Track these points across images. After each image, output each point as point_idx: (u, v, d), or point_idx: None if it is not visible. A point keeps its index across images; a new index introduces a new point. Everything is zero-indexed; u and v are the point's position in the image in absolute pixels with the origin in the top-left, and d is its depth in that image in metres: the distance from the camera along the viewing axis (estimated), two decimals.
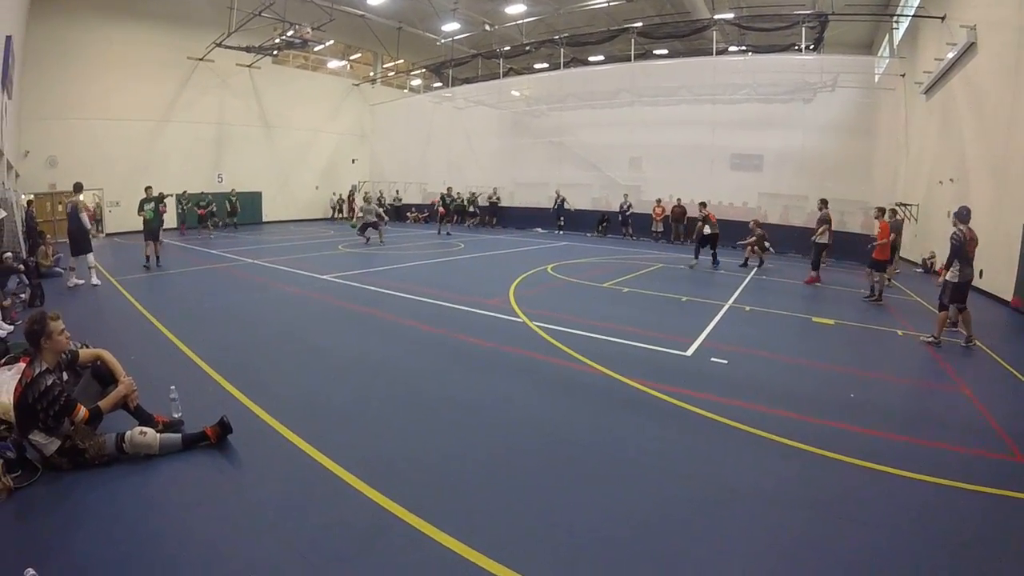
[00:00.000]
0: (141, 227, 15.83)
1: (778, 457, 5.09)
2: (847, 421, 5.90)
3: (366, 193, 23.45)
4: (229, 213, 28.48)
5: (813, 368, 7.97)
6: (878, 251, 12.31)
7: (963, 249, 8.88)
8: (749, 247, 17.70)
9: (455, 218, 30.75)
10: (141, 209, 15.65)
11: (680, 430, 5.66)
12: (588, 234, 27.05)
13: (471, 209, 31.50)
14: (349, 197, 35.15)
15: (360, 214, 22.72)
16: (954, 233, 9.01)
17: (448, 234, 26.78)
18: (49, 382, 4.50)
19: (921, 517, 4.22)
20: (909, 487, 4.61)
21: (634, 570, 3.54)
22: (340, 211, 34.71)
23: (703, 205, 17.82)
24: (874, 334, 10.00)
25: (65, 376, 4.80)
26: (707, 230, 17.38)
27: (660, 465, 4.94)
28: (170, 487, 4.48)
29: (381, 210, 24.14)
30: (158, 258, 15.69)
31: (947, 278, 9.03)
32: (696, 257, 17.55)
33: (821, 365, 8.11)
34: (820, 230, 15.01)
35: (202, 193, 26.46)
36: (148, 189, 16.08)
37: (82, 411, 4.62)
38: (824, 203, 15.51)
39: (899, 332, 10.02)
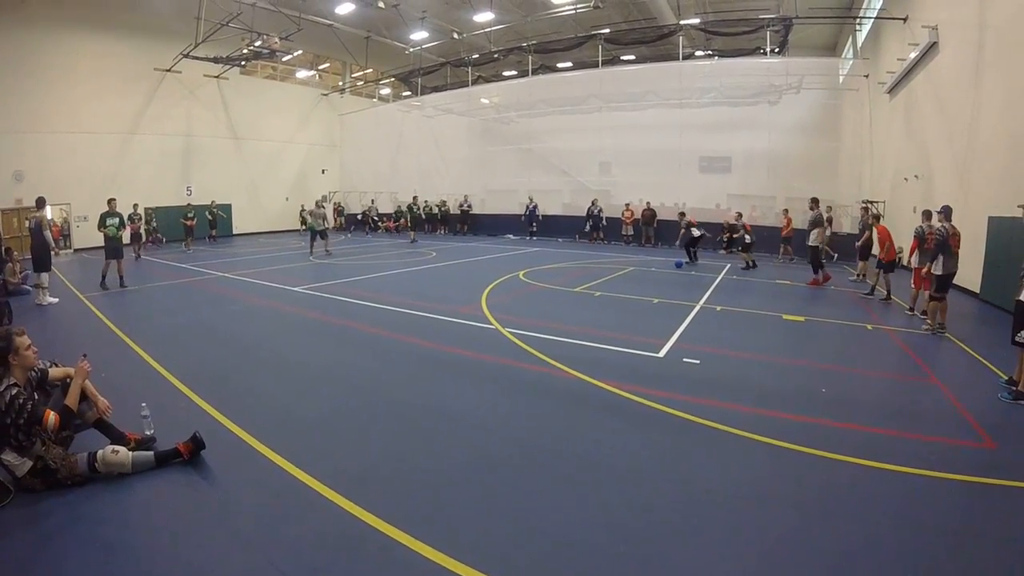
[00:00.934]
0: (104, 243, 14.93)
1: (753, 454, 5.10)
2: (820, 416, 5.92)
3: (317, 200, 23.34)
4: (210, 224, 28.21)
5: (784, 365, 8.01)
6: (884, 253, 12.43)
7: (947, 243, 9.30)
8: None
9: (426, 227, 30.82)
10: (103, 224, 14.82)
11: (655, 431, 5.65)
12: (560, 239, 27.07)
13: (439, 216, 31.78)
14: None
15: (309, 220, 22.53)
16: (938, 229, 9.45)
17: (414, 241, 26.92)
18: (13, 392, 4.42)
19: (901, 508, 4.23)
20: (886, 479, 4.63)
21: (614, 574, 3.51)
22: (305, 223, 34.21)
23: (683, 215, 18.80)
24: (844, 329, 10.08)
25: (36, 396, 4.68)
26: (696, 232, 18.22)
27: (636, 467, 4.91)
28: (144, 506, 4.42)
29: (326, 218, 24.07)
30: (122, 277, 14.97)
31: (933, 271, 9.36)
32: (691, 259, 18.31)
33: (792, 361, 8.17)
34: (814, 233, 14.83)
35: (188, 205, 26.16)
36: (111, 202, 15.36)
37: (51, 416, 4.50)
38: (815, 202, 15.32)
39: (868, 326, 10.13)
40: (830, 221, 15.22)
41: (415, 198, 29.49)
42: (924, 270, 9.73)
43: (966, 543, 3.83)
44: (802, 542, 3.82)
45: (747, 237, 17.85)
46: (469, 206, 30.96)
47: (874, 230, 13.40)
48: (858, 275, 15.07)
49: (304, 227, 31.33)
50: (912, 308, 11.06)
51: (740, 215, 18.79)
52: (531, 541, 3.85)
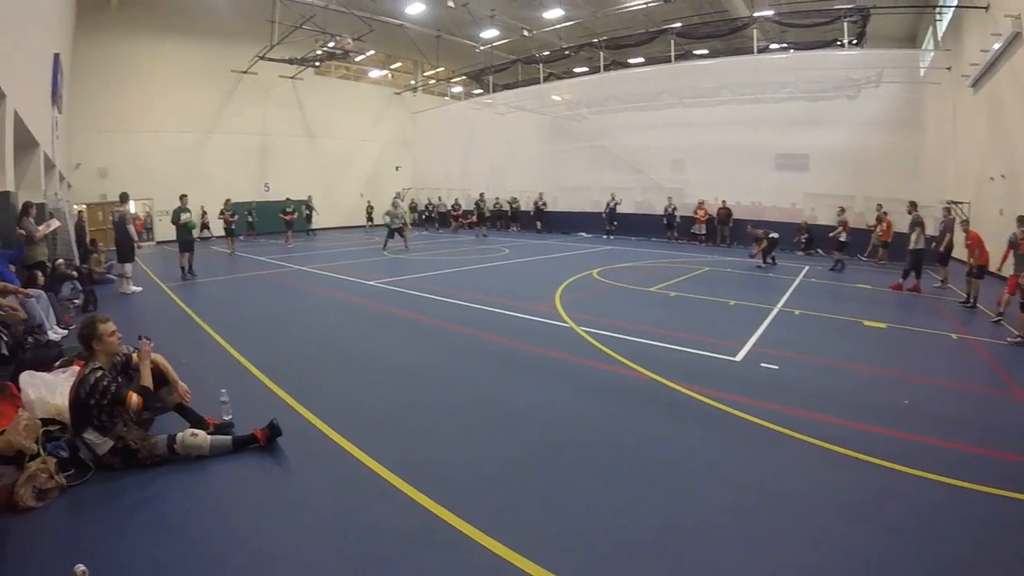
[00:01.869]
0: (177, 236, 16.00)
1: (831, 465, 5.00)
2: (903, 429, 5.74)
3: (397, 194, 24.12)
4: (307, 219, 29.29)
5: (865, 373, 7.80)
6: (976, 259, 11.84)
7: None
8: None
9: (498, 224, 31.23)
10: (176, 218, 15.61)
11: (730, 436, 5.63)
12: (632, 238, 27.01)
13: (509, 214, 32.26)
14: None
15: (386, 219, 23.13)
16: (1014, 233, 9.13)
17: (485, 236, 27.81)
18: (98, 375, 4.69)
19: (990, 531, 4.05)
20: (964, 497, 4.44)
21: None
22: (371, 219, 35.12)
23: (755, 228, 18.67)
24: (927, 337, 9.82)
25: (120, 379, 4.94)
26: (774, 235, 17.87)
27: (709, 471, 4.90)
28: (219, 489, 4.62)
29: (404, 215, 24.88)
30: (191, 267, 15.98)
31: (1020, 282, 9.10)
32: (765, 261, 17.88)
33: (873, 370, 7.95)
34: (915, 235, 14.10)
35: (287, 200, 27.12)
36: (183, 198, 16.01)
37: (134, 397, 4.77)
38: (913, 205, 14.83)
39: (953, 336, 9.81)
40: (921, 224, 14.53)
41: (482, 195, 30.40)
42: (1021, 278, 9.41)
43: None
44: (864, 555, 3.73)
45: (843, 236, 17.58)
46: (544, 204, 31.03)
47: (962, 234, 12.93)
48: (942, 281, 14.61)
49: (370, 223, 32.22)
50: (999, 316, 10.67)
51: (843, 209, 18.27)
52: (595, 540, 3.87)
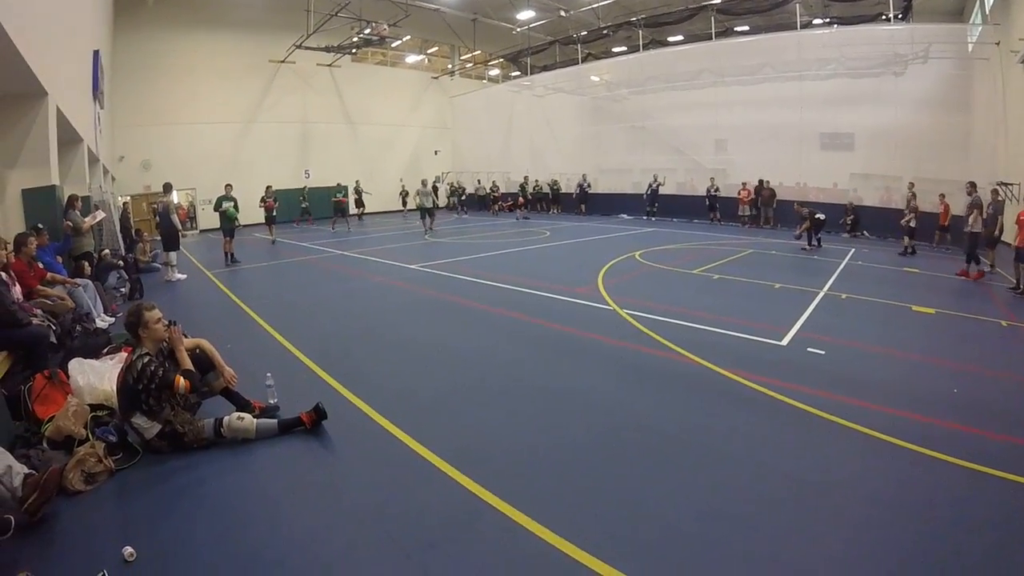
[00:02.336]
0: (220, 224, 16.89)
1: (878, 454, 4.99)
2: (952, 419, 5.66)
3: (423, 181, 24.47)
4: (357, 203, 29.78)
5: (914, 360, 7.78)
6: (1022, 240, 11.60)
7: None
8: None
9: (538, 206, 31.31)
10: (219, 206, 16.47)
11: (775, 422, 5.62)
12: (674, 219, 26.81)
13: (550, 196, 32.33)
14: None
15: (417, 199, 23.56)
16: None
17: (526, 218, 28.18)
18: (145, 360, 4.85)
19: None
20: (1016, 492, 4.34)
21: (723, 566, 3.55)
22: (405, 203, 34.31)
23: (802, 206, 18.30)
24: (978, 324, 9.64)
25: (167, 364, 5.08)
26: (821, 216, 17.57)
27: (753, 457, 4.92)
28: (265, 472, 4.76)
29: (434, 196, 25.28)
30: (232, 254, 16.59)
31: None
32: (810, 243, 17.58)
33: (922, 357, 7.89)
34: (972, 217, 13.51)
35: (337, 185, 27.54)
36: (227, 187, 16.96)
37: (182, 381, 4.94)
38: (973, 186, 14.24)
39: (1003, 323, 9.59)
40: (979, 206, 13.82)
41: (526, 178, 30.57)
42: None
43: None
44: (913, 548, 3.73)
45: (912, 221, 17.13)
46: (589, 185, 30.81)
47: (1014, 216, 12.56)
48: (990, 265, 14.18)
49: (405, 207, 32.45)
50: None
51: (914, 194, 17.67)
52: (641, 526, 3.92)
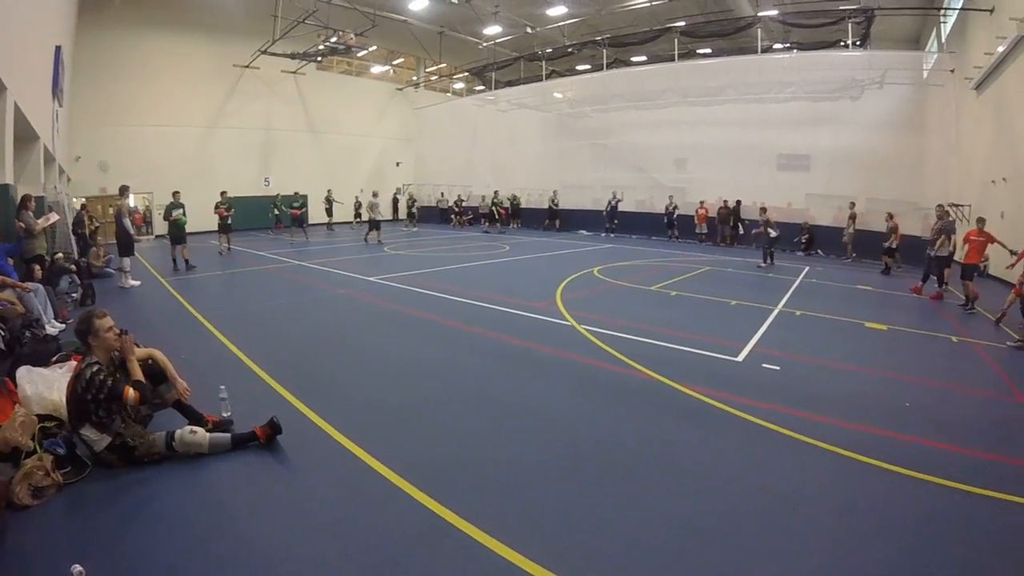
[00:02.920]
0: (169, 231, 16.60)
1: (833, 467, 5.04)
2: (905, 432, 5.78)
3: (373, 192, 24.52)
4: (327, 211, 29.59)
5: (866, 375, 7.85)
6: (965, 257, 12.03)
7: None
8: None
9: (497, 221, 31.33)
10: (168, 214, 16.17)
11: (732, 437, 5.63)
12: (634, 236, 26.98)
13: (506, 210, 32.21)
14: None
15: (368, 213, 23.57)
16: None
17: (501, 232, 28.27)
18: (94, 370, 4.63)
19: (980, 532, 4.08)
20: (966, 500, 4.48)
21: None
22: (359, 215, 32.91)
23: (764, 210, 18.62)
24: (928, 340, 9.87)
25: (117, 375, 4.87)
26: (772, 233, 17.85)
27: (712, 472, 4.93)
28: (219, 487, 4.58)
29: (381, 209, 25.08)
30: (187, 260, 16.21)
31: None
32: (766, 261, 17.88)
33: (875, 372, 8.01)
34: (939, 241, 13.45)
35: (295, 194, 26.40)
36: (176, 194, 16.59)
37: (131, 391, 4.70)
38: (944, 211, 14.22)
39: (953, 338, 9.83)
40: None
41: (496, 192, 30.60)
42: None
43: None
44: (870, 558, 3.76)
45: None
46: (557, 203, 30.75)
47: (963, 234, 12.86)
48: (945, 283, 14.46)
49: (357, 219, 31.87)
50: (1000, 317, 10.68)
51: (891, 215, 18.06)
52: (606, 543, 3.86)
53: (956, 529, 4.13)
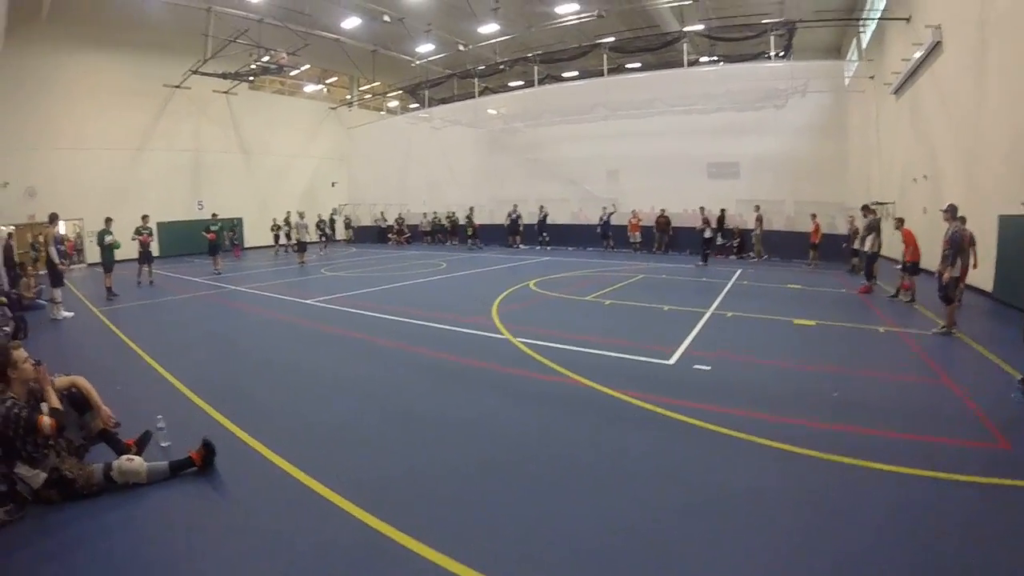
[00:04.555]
0: (102, 258, 16.05)
1: (763, 459, 5.06)
2: (831, 420, 5.90)
3: (299, 213, 24.36)
4: (287, 235, 28.73)
5: (796, 370, 7.94)
6: (911, 255, 12.33)
7: (962, 244, 9.39)
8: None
9: (434, 238, 31.17)
10: (102, 241, 15.56)
11: (667, 438, 5.63)
12: (569, 248, 27.11)
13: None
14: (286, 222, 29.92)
15: (296, 234, 23.57)
16: (955, 231, 9.43)
17: (480, 248, 28.41)
18: (8, 404, 4.45)
19: (914, 511, 4.20)
20: (899, 482, 4.58)
21: None
22: (278, 239, 30.81)
23: (703, 209, 20.22)
24: (856, 332, 10.02)
25: (31, 405, 4.71)
26: (707, 234, 19.17)
27: (647, 473, 4.92)
28: (160, 517, 4.45)
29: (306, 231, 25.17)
30: (109, 289, 15.65)
31: (954, 274, 9.40)
32: (705, 261, 19.06)
33: (804, 366, 8.10)
34: (869, 239, 14.12)
35: (212, 216, 23.60)
36: (108, 221, 15.96)
37: (45, 420, 4.50)
38: (869, 210, 14.80)
39: (880, 329, 10.07)
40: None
41: (472, 209, 30.54)
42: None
43: (983, 544, 3.78)
44: (812, 546, 3.83)
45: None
46: (519, 216, 29.12)
47: (894, 232, 13.26)
48: (853, 267, 15.00)
49: (277, 243, 30.60)
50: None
51: (853, 218, 18.47)
52: (546, 549, 3.84)
53: (874, 506, 4.26)
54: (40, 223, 20.69)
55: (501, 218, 30.06)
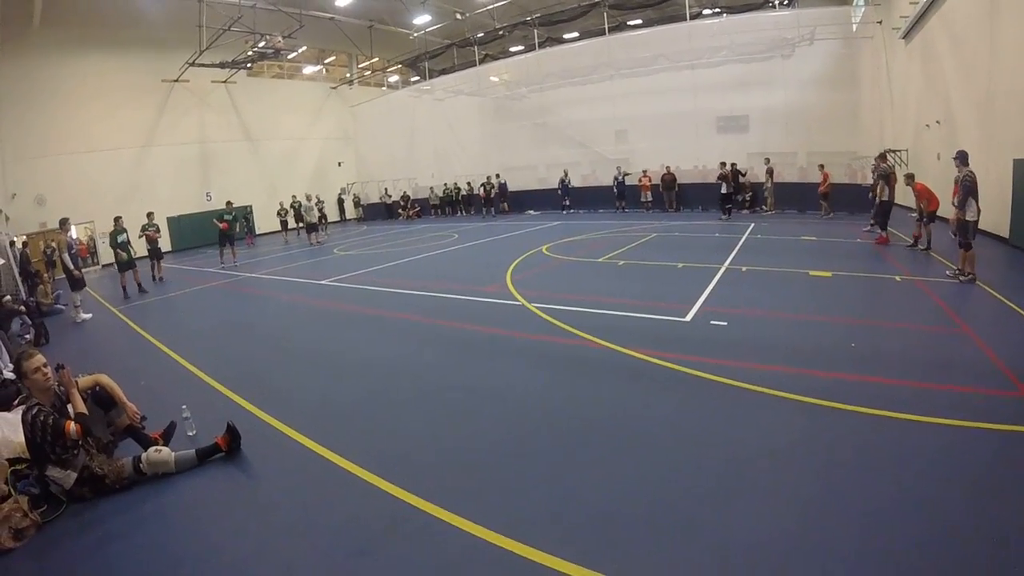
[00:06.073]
0: (115, 259, 15.80)
1: (785, 413, 5.04)
2: (851, 371, 5.82)
3: (307, 195, 24.32)
4: (297, 218, 28.34)
5: (813, 321, 7.94)
6: (928, 206, 12.19)
7: (975, 188, 9.18)
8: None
9: (445, 210, 31.02)
10: (114, 242, 15.41)
11: (685, 396, 5.63)
12: (581, 211, 26.93)
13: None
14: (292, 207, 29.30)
15: (308, 216, 23.61)
16: (966, 174, 9.23)
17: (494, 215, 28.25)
18: (34, 411, 4.51)
19: (935, 460, 4.16)
20: (920, 431, 4.53)
21: (654, 541, 3.51)
22: (286, 224, 29.72)
23: (723, 164, 20.42)
24: (873, 282, 9.98)
25: (56, 411, 4.75)
26: (724, 189, 19.51)
27: (669, 432, 4.93)
28: (191, 504, 4.53)
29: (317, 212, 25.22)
30: (139, 284, 15.80)
31: (968, 218, 9.22)
32: (728, 214, 19.65)
33: (821, 318, 8.09)
34: (880, 186, 13.74)
35: (227, 204, 22.64)
36: (118, 220, 15.77)
37: (72, 425, 4.57)
38: (883, 158, 14.53)
39: (897, 278, 9.98)
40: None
41: (490, 178, 29.85)
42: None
43: (1003, 492, 3.74)
44: (837, 498, 3.79)
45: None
46: (569, 181, 27.70)
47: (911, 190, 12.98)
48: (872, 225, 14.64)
49: (286, 228, 29.87)
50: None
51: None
52: (571, 511, 3.86)
53: (897, 456, 4.24)
54: (52, 230, 20.95)
55: (512, 185, 30.04)
